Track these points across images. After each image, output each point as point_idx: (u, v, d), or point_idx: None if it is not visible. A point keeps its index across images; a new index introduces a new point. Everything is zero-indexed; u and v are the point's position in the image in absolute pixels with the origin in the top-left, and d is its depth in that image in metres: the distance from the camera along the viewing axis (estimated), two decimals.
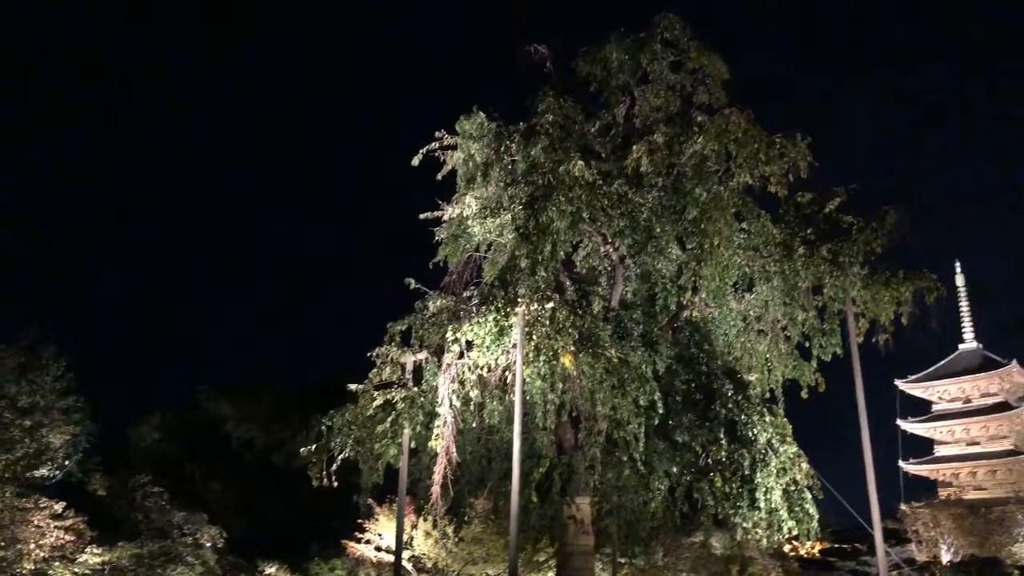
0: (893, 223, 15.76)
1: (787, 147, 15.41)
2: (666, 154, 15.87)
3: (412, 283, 16.37)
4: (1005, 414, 76.42)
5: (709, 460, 15.94)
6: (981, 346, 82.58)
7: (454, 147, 17.17)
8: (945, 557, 42.20)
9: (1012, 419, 76.25)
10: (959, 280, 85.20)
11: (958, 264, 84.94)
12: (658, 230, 15.85)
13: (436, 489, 14.86)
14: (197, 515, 25.80)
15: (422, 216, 17.54)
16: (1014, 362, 76.54)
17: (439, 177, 17.47)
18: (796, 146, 15.40)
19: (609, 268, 17.26)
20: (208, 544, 25.82)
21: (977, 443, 78.56)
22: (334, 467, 16.16)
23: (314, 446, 15.96)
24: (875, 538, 15.26)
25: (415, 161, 17.21)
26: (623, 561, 29.18)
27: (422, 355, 15.77)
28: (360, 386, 15.83)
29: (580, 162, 15.20)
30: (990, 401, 78.12)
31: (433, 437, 14.44)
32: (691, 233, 15.87)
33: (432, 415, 14.86)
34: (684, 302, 16.76)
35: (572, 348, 14.03)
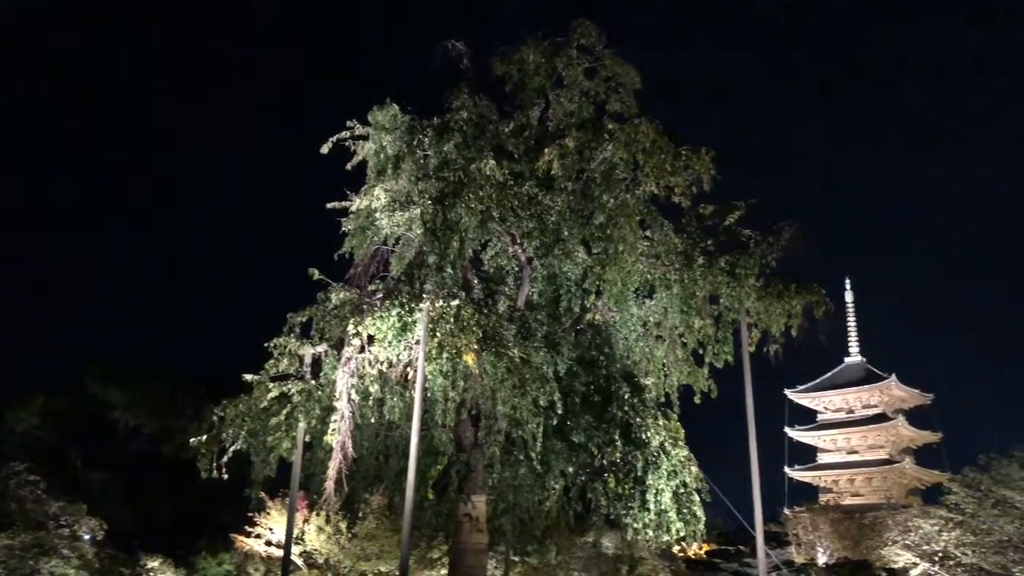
0: (788, 239, 16.41)
1: (692, 159, 15.86)
2: (577, 159, 16.11)
3: (315, 274, 16.09)
4: (883, 425, 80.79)
5: (604, 461, 16.26)
6: (865, 360, 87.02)
7: (365, 137, 16.96)
8: (821, 559, 44.32)
9: (889, 430, 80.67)
10: (848, 296, 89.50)
11: (848, 281, 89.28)
12: (566, 233, 16.07)
13: (330, 484, 14.64)
14: (76, 505, 24.59)
15: (329, 206, 17.27)
16: (893, 376, 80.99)
17: (349, 167, 17.24)
18: (700, 159, 15.87)
19: (516, 269, 17.38)
20: (87, 536, 24.67)
21: (857, 452, 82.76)
22: (225, 459, 15.67)
23: (204, 436, 15.46)
24: (757, 541, 15.86)
25: (324, 149, 16.91)
26: (516, 559, 29.43)
27: (322, 348, 15.51)
28: (255, 377, 15.44)
29: (492, 161, 15.27)
30: (870, 412, 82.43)
31: (329, 432, 14.22)
32: (597, 238, 16.13)
33: (329, 409, 14.63)
34: (588, 305, 17.04)
35: (475, 346, 14.06)
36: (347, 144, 17.05)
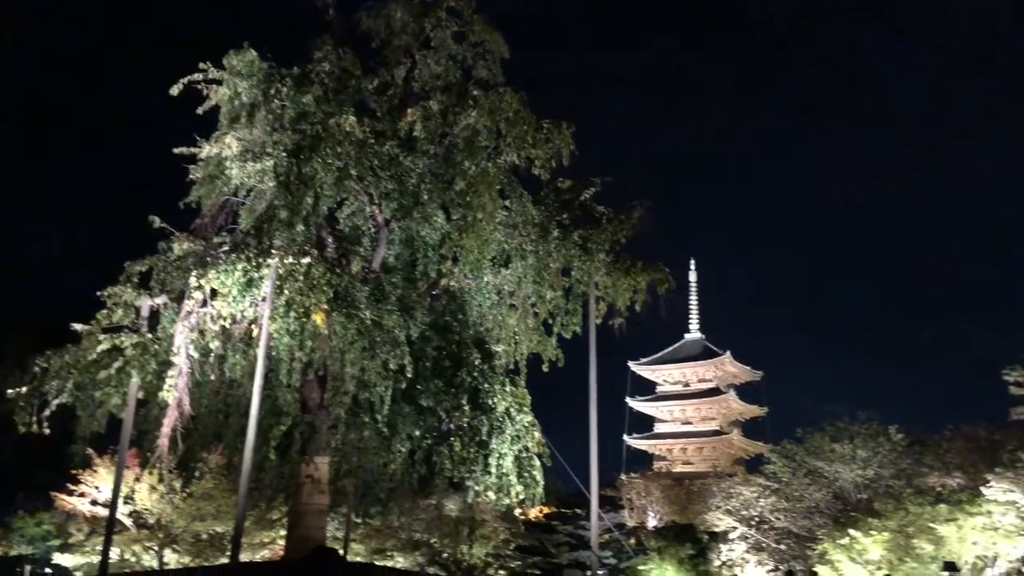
0: (639, 217, 17.05)
1: (553, 133, 16.10)
2: (440, 122, 15.98)
3: (157, 221, 15.21)
4: (715, 398, 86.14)
5: (451, 425, 16.44)
6: (704, 337, 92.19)
7: (220, 82, 16.11)
8: (651, 522, 46.98)
9: (720, 403, 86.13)
10: (692, 276, 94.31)
11: (693, 262, 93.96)
12: (425, 197, 15.96)
13: (164, 442, 13.99)
14: None
15: (176, 151, 16.33)
16: (728, 353, 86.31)
17: (200, 111, 16.32)
18: (561, 133, 16.13)
19: (373, 229, 17.10)
20: None
21: (691, 423, 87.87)
22: (47, 413, 14.65)
23: (24, 388, 14.38)
24: (591, 504, 16.59)
25: (174, 90, 15.92)
26: (359, 521, 29.36)
27: (161, 300, 14.71)
28: (86, 327, 14.49)
29: (352, 118, 14.88)
30: (705, 386, 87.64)
31: (165, 387, 13.56)
32: (457, 204, 16.13)
33: (166, 364, 13.93)
34: (444, 271, 17.05)
35: (325, 306, 13.78)
36: (199, 87, 16.15)
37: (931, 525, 22.45)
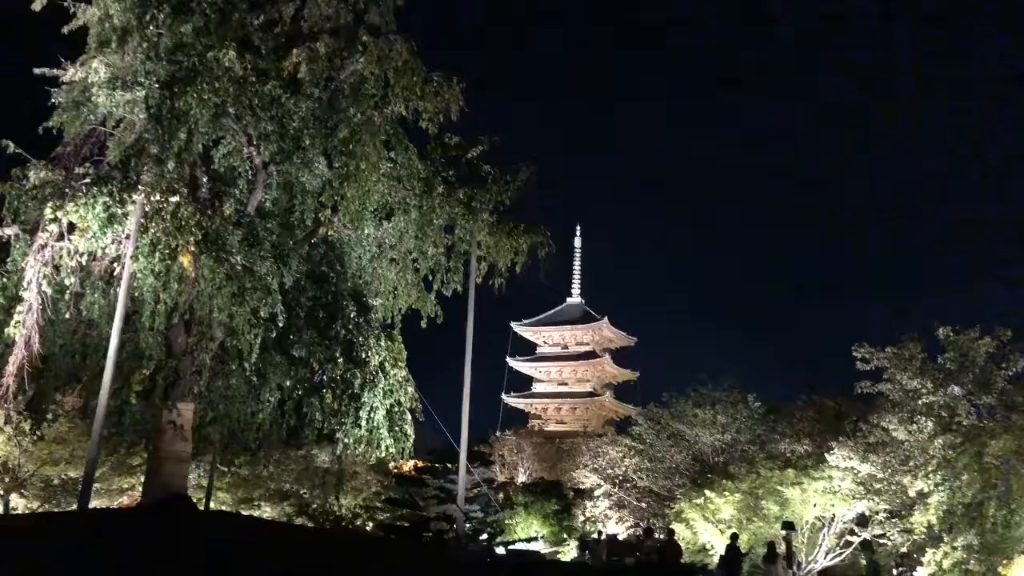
0: (524, 179, 17.15)
1: (443, 87, 15.90)
2: (327, 66, 15.48)
3: (11, 147, 14.12)
4: (591, 361, 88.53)
5: (323, 377, 16.27)
6: (584, 301, 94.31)
7: (89, 0, 15.00)
8: (521, 478, 48.18)
9: (596, 366, 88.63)
10: (577, 242, 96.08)
11: (579, 227, 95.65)
12: (307, 142, 15.46)
13: (10, 381, 13.20)
14: None
15: (37, 71, 15.15)
16: (606, 319, 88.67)
17: (66, 31, 15.19)
18: (451, 88, 15.95)
19: (250, 172, 16.46)
20: None
21: (567, 384, 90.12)
22: None
23: None
24: (460, 459, 16.84)
25: (36, 6, 14.78)
26: (225, 470, 28.72)
27: (11, 231, 13.73)
28: None
29: (233, 53, 14.18)
30: (582, 349, 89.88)
31: (12, 323, 12.75)
32: (340, 152, 15.73)
33: (15, 300, 13.09)
34: (323, 219, 16.65)
35: (193, 248, 13.24)
36: (65, 4, 15.00)
37: (779, 488, 23.94)
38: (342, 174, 15.54)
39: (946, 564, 18.29)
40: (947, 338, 22.30)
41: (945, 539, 18.68)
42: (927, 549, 19.41)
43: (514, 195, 17.21)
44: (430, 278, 17.68)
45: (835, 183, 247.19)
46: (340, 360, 16.02)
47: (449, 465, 23.86)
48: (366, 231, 17.03)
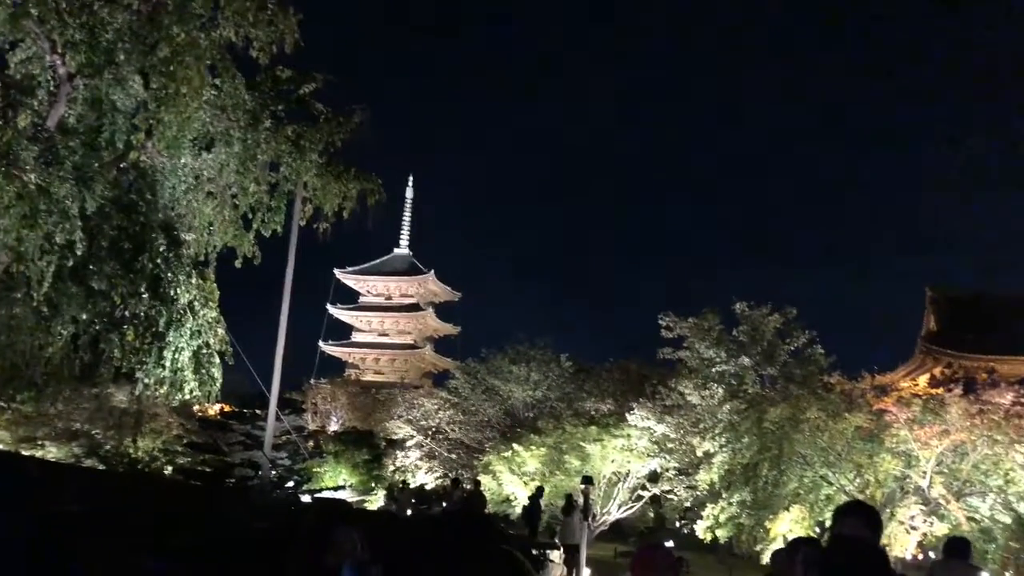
0: (358, 123, 16.67)
1: (278, 16, 15.05)
2: None
3: None
4: (414, 314, 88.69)
5: (126, 313, 15.26)
6: (411, 253, 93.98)
7: None
8: (333, 427, 47.75)
9: (418, 319, 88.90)
10: (409, 192, 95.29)
11: (411, 178, 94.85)
12: (122, 57, 14.18)
13: None
14: None
15: None
16: (432, 272, 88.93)
17: None
18: (287, 18, 15.12)
19: (52, 83, 14.91)
20: None
21: (387, 335, 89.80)
22: None
23: None
24: (270, 405, 16.41)
25: None
26: (4, 406, 26.35)
27: None
28: None
29: None
30: (406, 301, 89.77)
31: None
32: (159, 72, 14.53)
33: None
34: (135, 143, 15.42)
35: None
36: None
37: (581, 444, 25.24)
38: (159, 96, 14.41)
39: (722, 518, 20.06)
40: (742, 313, 24.26)
41: (724, 495, 20.47)
42: (707, 504, 21.20)
43: (347, 138, 16.68)
44: (250, 216, 16.86)
45: (664, 150, 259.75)
46: (145, 296, 15.08)
47: (258, 411, 23.16)
48: (183, 160, 15.95)
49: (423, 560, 6.12)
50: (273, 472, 20.25)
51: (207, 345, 15.54)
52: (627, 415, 25.25)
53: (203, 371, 15.47)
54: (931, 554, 18.07)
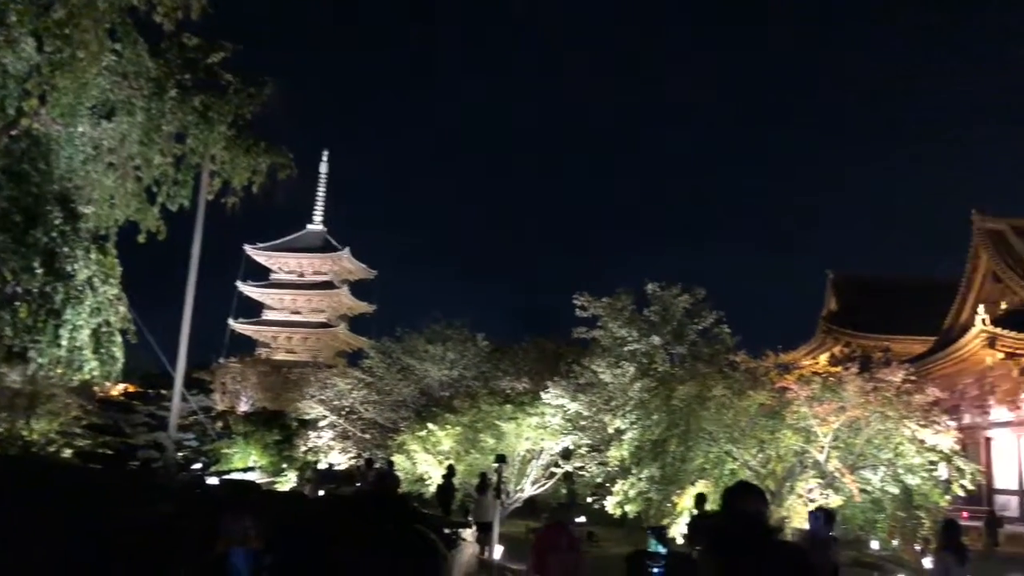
0: (268, 95, 16.18)
1: None
2: None
3: None
4: (328, 292, 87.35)
5: (18, 289, 14.50)
6: (325, 230, 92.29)
7: None
8: (242, 407, 46.64)
9: (332, 297, 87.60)
10: (323, 168, 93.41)
11: (326, 154, 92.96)
12: (13, 18, 13.32)
13: None
14: None
15: None
16: (347, 250, 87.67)
17: None
18: None
19: None
20: None
21: (300, 313, 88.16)
22: None
23: None
24: (175, 384, 15.90)
25: None
26: None
27: None
28: None
29: None
30: (320, 279, 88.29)
31: None
32: (54, 35, 13.71)
33: None
34: (27, 109, 14.56)
35: None
36: None
37: (497, 422, 25.35)
38: (54, 61, 13.63)
39: (632, 493, 20.52)
40: (653, 293, 24.79)
41: (633, 471, 20.93)
42: (617, 480, 21.65)
43: (256, 110, 16.18)
44: (154, 189, 16.18)
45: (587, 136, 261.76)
46: (39, 271, 14.33)
47: (164, 391, 22.51)
48: (80, 129, 15.15)
49: (334, 541, 6.03)
50: (180, 454, 19.74)
51: (107, 323, 14.91)
52: (542, 393, 25.50)
53: (103, 350, 14.85)
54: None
